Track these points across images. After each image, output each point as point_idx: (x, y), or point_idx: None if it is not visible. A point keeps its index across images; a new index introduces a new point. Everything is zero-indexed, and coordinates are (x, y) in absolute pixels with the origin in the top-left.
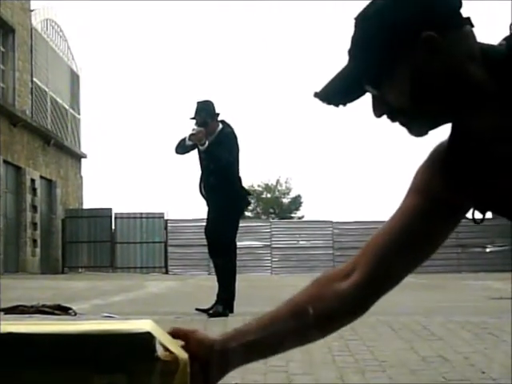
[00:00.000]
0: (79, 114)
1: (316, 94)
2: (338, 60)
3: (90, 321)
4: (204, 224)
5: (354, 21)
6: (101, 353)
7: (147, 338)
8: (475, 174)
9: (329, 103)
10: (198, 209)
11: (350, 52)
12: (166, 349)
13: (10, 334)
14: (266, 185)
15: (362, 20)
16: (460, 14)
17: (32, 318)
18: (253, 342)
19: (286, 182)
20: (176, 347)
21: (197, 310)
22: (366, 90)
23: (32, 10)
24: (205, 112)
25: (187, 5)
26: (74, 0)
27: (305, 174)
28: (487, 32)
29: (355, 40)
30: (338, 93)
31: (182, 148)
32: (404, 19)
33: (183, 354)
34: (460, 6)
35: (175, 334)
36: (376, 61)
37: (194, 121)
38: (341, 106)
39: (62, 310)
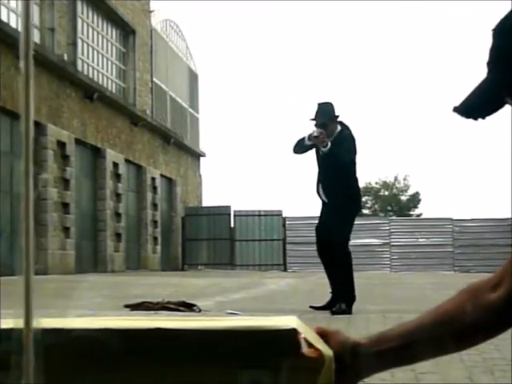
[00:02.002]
0: (198, 112)
1: (455, 109)
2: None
3: (233, 317)
4: None
5: (491, 32)
6: (246, 349)
7: (292, 335)
8: None
9: (468, 117)
10: (315, 206)
11: (489, 64)
12: (312, 346)
13: (158, 329)
14: (384, 182)
15: (499, 31)
16: None
17: (158, 314)
18: (395, 347)
19: (404, 179)
20: (321, 344)
21: (311, 307)
22: (505, 101)
23: (151, 11)
24: (325, 114)
25: (307, 3)
26: (191, 0)
27: (423, 170)
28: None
29: (493, 52)
30: (477, 106)
31: (301, 148)
32: None
33: (328, 351)
34: None
35: (318, 333)
36: None
37: (314, 122)
38: (479, 119)
39: (186, 307)
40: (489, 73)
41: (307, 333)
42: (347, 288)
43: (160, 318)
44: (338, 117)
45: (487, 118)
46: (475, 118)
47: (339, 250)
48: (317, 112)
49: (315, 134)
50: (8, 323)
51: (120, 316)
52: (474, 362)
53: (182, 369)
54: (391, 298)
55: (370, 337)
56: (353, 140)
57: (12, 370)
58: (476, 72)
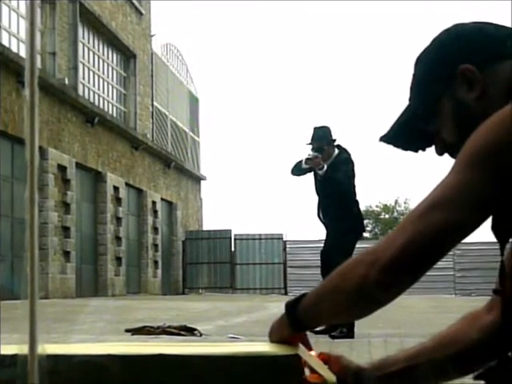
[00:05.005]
0: (198, 136)
1: (381, 138)
2: None
3: (235, 341)
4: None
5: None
6: (249, 375)
7: (295, 361)
8: None
9: (394, 146)
10: (316, 230)
11: (410, 92)
12: (314, 371)
13: (160, 355)
14: (385, 205)
15: (415, 63)
16: (506, 47)
17: (159, 338)
18: (397, 372)
19: (404, 203)
20: (324, 370)
21: (310, 331)
22: (422, 129)
23: (152, 36)
24: (321, 138)
25: (306, 32)
26: (192, 24)
27: (423, 193)
28: None
29: (411, 82)
30: (399, 134)
31: (298, 170)
32: (447, 56)
33: (331, 377)
34: (505, 40)
35: (321, 358)
36: (426, 99)
37: (311, 146)
38: (411, 152)
39: (187, 331)
40: (409, 100)
41: (310, 358)
42: None
43: (161, 344)
44: (334, 140)
45: (420, 151)
46: (404, 149)
47: None
48: (313, 136)
49: (310, 157)
50: (12, 349)
51: (121, 341)
52: None
53: None
54: (392, 322)
55: (373, 362)
56: (350, 163)
57: None
58: None
